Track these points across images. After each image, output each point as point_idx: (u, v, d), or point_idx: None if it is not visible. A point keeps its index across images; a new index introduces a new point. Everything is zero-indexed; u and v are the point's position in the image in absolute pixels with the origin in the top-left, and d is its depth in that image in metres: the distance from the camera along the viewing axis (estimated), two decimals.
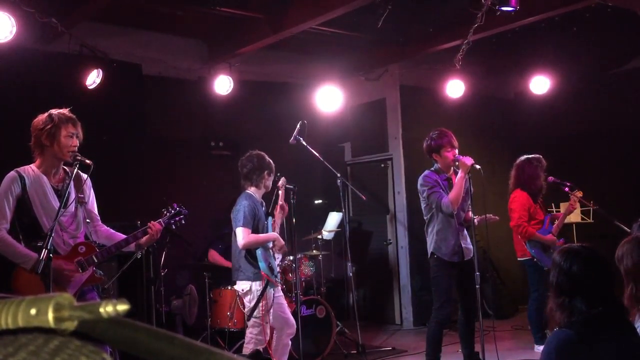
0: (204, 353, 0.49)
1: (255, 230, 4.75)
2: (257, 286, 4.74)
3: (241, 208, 4.73)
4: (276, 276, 4.85)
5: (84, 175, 3.71)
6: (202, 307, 6.24)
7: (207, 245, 6.59)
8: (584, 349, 2.21)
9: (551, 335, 2.30)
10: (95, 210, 3.83)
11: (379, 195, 8.25)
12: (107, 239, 3.80)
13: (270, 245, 4.87)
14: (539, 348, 6.08)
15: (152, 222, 3.84)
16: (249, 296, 4.76)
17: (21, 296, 0.50)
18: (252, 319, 4.74)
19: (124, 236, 3.77)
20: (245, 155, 4.96)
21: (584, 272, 2.31)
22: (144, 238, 3.78)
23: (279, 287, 5.00)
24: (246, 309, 4.81)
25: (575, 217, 7.24)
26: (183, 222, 4.11)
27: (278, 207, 5.06)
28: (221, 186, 7.10)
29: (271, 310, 4.78)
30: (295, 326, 4.94)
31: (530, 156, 6.28)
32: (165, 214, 4.03)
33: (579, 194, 6.07)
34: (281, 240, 4.90)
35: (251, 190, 4.88)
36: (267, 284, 4.74)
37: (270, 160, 4.93)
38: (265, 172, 4.87)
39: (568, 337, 2.24)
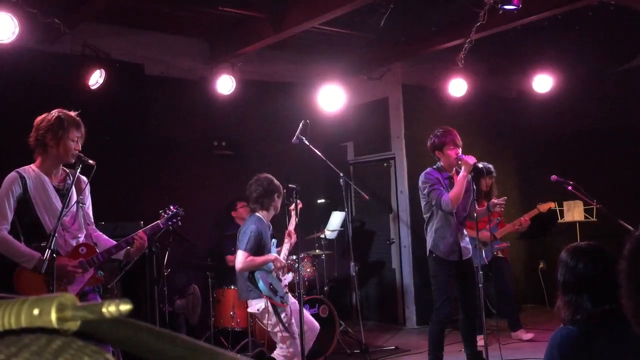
0: (206, 353, 0.49)
1: (257, 255, 4.74)
2: (269, 302, 4.72)
3: (248, 232, 4.73)
4: (282, 297, 4.79)
5: (84, 179, 3.68)
6: (205, 306, 6.25)
7: (221, 252, 6.58)
8: (587, 346, 2.22)
9: (555, 332, 2.31)
10: (91, 215, 3.80)
11: (381, 194, 8.25)
12: (99, 245, 3.76)
13: (272, 267, 4.83)
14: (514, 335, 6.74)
15: (139, 232, 3.77)
16: (267, 314, 4.70)
17: (24, 296, 0.50)
18: (280, 334, 4.71)
19: (114, 242, 3.73)
20: (253, 179, 4.94)
21: (590, 270, 2.32)
22: (133, 249, 3.70)
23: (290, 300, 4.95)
24: (269, 327, 4.76)
25: (578, 215, 7.23)
26: (180, 223, 4.11)
27: (286, 233, 5.07)
28: (223, 186, 7.10)
29: (292, 320, 4.78)
30: (318, 329, 4.95)
31: None
32: (164, 216, 4.02)
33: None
34: (282, 261, 4.86)
35: (261, 214, 4.87)
36: (275, 306, 4.71)
37: (279, 183, 4.94)
38: (275, 195, 4.89)
39: (571, 334, 2.24)
